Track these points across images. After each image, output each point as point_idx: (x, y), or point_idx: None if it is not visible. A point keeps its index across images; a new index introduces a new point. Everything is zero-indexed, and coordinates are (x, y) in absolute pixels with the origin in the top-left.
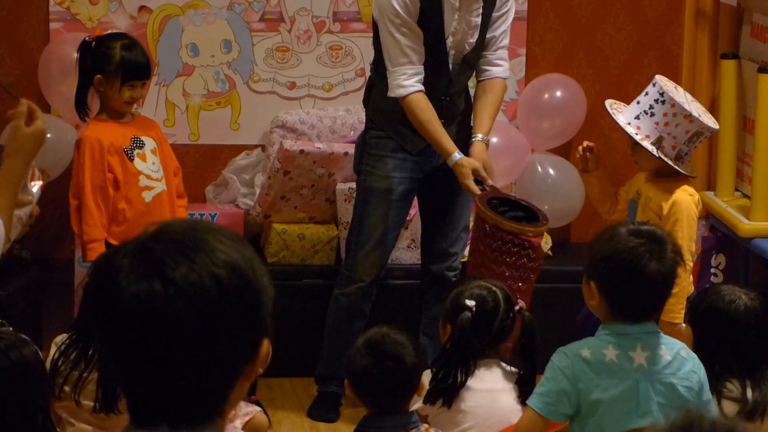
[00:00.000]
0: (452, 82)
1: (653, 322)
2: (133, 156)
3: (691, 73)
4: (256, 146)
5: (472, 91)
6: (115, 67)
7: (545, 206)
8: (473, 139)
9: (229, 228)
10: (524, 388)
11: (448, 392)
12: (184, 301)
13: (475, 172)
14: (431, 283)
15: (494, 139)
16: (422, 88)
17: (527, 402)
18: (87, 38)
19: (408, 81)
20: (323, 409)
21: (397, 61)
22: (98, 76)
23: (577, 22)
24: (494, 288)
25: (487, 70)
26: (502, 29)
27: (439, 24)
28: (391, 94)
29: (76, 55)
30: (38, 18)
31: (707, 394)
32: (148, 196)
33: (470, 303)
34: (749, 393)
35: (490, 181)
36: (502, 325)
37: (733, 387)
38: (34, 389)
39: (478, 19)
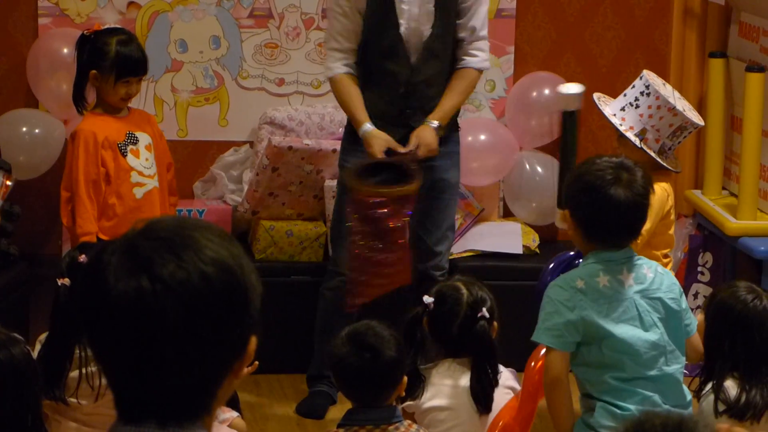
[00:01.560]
0: (414, 71)
1: (629, 247)
2: (126, 152)
3: (679, 71)
4: (245, 143)
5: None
6: (110, 63)
7: (533, 204)
8: (423, 122)
9: (217, 225)
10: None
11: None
12: (172, 299)
13: (387, 143)
14: (418, 281)
15: (482, 137)
16: (348, 70)
17: (535, 339)
18: (85, 32)
19: (335, 64)
20: (311, 406)
21: (328, 45)
22: (94, 71)
23: (566, 21)
24: (464, 289)
25: (462, 60)
26: (476, 19)
27: (391, 11)
28: (325, 74)
29: (74, 49)
30: (27, 13)
31: (685, 304)
32: (138, 192)
33: (428, 299)
34: (746, 393)
35: (401, 149)
36: (461, 328)
37: (730, 385)
38: (24, 389)
39: (431, 6)
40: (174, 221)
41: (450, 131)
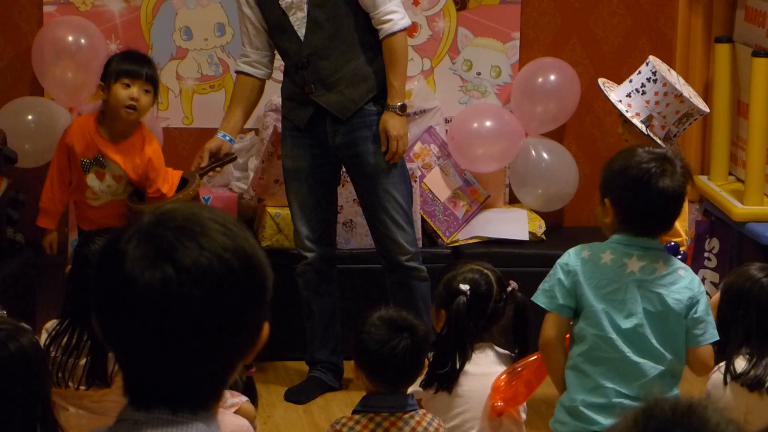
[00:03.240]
0: (304, 44)
1: (656, 240)
2: (88, 170)
3: (685, 57)
4: (250, 130)
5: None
6: (111, 70)
7: (539, 190)
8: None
9: (225, 212)
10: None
11: (446, 378)
12: (196, 287)
13: (207, 149)
14: (387, 271)
15: (488, 123)
16: (245, 69)
17: (533, 299)
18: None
19: (239, 59)
20: (298, 391)
21: (241, 39)
22: (101, 83)
23: (571, 6)
24: (486, 270)
25: (379, 30)
26: None
27: None
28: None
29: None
30: (31, 1)
31: (700, 313)
32: (94, 203)
33: (464, 287)
34: (755, 365)
35: (201, 161)
36: (495, 308)
37: (742, 360)
38: (34, 379)
39: None
40: (188, 209)
41: (368, 111)
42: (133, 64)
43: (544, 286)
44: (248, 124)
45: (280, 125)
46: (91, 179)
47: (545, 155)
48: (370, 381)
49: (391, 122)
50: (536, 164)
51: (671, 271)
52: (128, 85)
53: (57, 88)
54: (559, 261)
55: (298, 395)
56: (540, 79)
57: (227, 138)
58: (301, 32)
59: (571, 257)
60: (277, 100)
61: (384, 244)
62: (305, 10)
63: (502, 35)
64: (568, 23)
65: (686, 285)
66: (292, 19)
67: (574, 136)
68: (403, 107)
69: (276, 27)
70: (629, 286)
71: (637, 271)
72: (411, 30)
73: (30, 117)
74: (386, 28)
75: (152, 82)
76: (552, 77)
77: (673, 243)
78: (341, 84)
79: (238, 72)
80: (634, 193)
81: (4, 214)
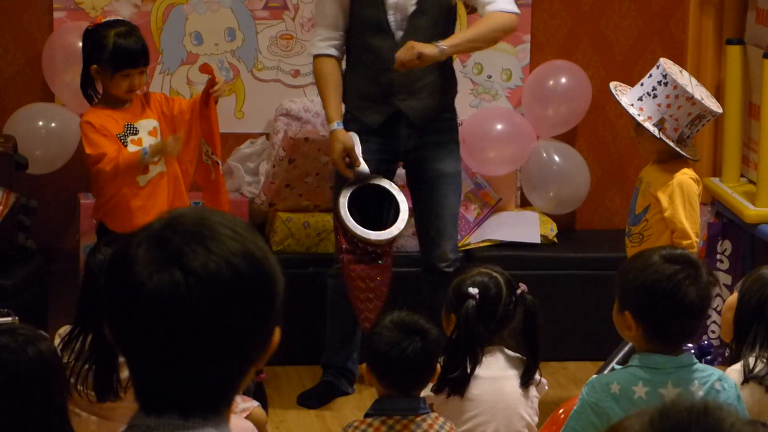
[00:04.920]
0: (398, 46)
1: (688, 353)
2: (126, 142)
3: (696, 59)
4: (261, 134)
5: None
6: (108, 57)
7: (550, 193)
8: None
9: (238, 217)
10: (526, 372)
11: (457, 382)
12: (205, 291)
13: (347, 150)
14: (425, 273)
15: (499, 126)
16: (333, 53)
17: None
18: (88, 26)
19: (322, 42)
20: (310, 395)
21: (317, 21)
22: (94, 66)
23: (582, 9)
24: (495, 273)
25: (487, 4)
26: None
27: None
28: (308, 50)
29: (80, 43)
30: (42, 7)
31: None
32: (142, 180)
33: (473, 291)
34: None
35: (360, 163)
36: (505, 311)
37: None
38: (51, 386)
39: None
40: (198, 213)
41: (442, 117)
42: (129, 51)
43: (570, 423)
44: (259, 128)
45: (290, 130)
46: (132, 149)
47: (556, 158)
48: (380, 383)
49: (427, 49)
50: (547, 167)
51: (708, 390)
52: (127, 75)
53: (67, 94)
54: (586, 399)
55: (311, 400)
56: (551, 82)
57: (342, 125)
58: (399, 34)
59: (599, 394)
60: (288, 104)
61: (429, 249)
62: (408, 13)
63: (512, 38)
64: (579, 26)
65: (725, 399)
66: (391, 19)
67: (586, 139)
68: (444, 51)
69: (370, 23)
70: None
71: None
72: None
73: (40, 123)
74: (492, 6)
75: (147, 62)
76: (563, 80)
77: (703, 344)
78: (425, 91)
79: (323, 55)
80: (662, 307)
81: (16, 221)
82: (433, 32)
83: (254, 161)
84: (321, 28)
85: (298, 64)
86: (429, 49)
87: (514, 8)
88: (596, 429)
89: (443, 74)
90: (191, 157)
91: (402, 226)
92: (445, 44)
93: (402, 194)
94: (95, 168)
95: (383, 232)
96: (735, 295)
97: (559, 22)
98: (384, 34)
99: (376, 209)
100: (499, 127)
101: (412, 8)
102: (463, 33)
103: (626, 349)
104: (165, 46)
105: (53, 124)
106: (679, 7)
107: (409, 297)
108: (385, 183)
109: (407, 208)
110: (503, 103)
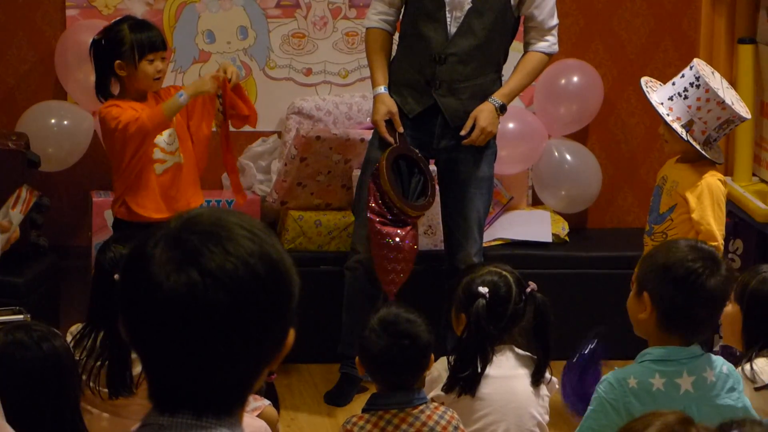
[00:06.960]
0: (449, 41)
1: (698, 345)
2: None
3: (708, 58)
4: (273, 133)
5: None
6: (130, 47)
7: (562, 192)
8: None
9: (252, 216)
10: (537, 371)
11: (468, 381)
12: (222, 291)
13: (390, 114)
14: (447, 274)
15: (511, 125)
16: (386, 27)
17: None
18: (95, 37)
19: (376, 16)
20: (337, 394)
21: None
22: (117, 61)
23: (594, 7)
24: (504, 272)
25: (530, 43)
26: (541, 10)
27: None
28: (364, 23)
29: (89, 54)
30: (55, 5)
31: (742, 400)
32: (159, 168)
33: (483, 290)
34: None
35: (401, 129)
36: (515, 310)
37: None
38: (65, 380)
39: None
40: (215, 214)
41: None
42: (149, 37)
43: (587, 422)
44: (271, 127)
45: (302, 128)
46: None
47: (568, 157)
48: (374, 381)
49: (486, 114)
50: (559, 166)
51: (719, 375)
52: (152, 60)
53: (80, 91)
54: (605, 395)
55: (337, 398)
56: (563, 81)
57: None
58: (452, 30)
59: (616, 390)
60: (300, 103)
61: (454, 249)
62: (464, 12)
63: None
64: (591, 24)
65: (732, 384)
66: (448, 14)
67: (597, 138)
68: (504, 108)
69: (427, 13)
70: (688, 408)
71: (691, 388)
72: None
73: (53, 121)
74: (541, 46)
75: (166, 46)
76: (575, 79)
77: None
78: (465, 93)
79: (374, 28)
80: (680, 291)
81: (28, 218)
82: (487, 37)
83: (266, 159)
84: (378, 3)
85: (310, 63)
86: (489, 115)
87: (556, 48)
88: (616, 425)
89: (487, 83)
90: (203, 143)
91: (433, 201)
92: (499, 99)
93: (431, 174)
94: (124, 135)
95: (422, 202)
96: (734, 306)
97: (571, 21)
98: (437, 25)
99: (400, 180)
100: (510, 125)
101: (467, 6)
102: (514, 80)
103: (591, 345)
104: (177, 44)
105: (66, 122)
106: (691, 5)
107: (424, 294)
108: (421, 158)
109: (436, 187)
110: (515, 101)
